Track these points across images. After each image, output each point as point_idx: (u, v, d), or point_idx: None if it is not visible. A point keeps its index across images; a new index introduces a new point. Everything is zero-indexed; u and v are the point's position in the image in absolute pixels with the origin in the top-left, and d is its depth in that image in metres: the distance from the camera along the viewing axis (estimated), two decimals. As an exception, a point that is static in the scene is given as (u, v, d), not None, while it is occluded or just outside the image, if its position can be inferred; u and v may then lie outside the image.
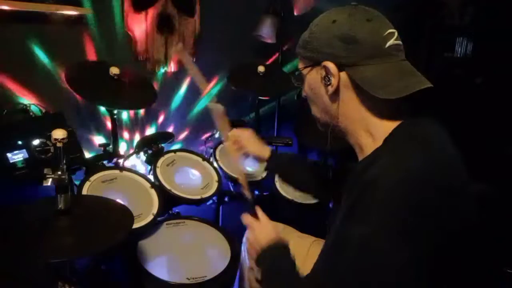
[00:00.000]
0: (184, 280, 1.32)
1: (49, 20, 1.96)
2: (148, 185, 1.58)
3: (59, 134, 1.05)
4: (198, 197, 1.66)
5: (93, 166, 1.66)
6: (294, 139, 2.25)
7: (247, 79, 2.29)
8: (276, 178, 1.91)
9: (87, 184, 1.46)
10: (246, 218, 1.11)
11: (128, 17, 2.22)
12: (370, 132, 0.88)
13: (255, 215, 1.11)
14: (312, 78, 0.92)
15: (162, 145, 1.89)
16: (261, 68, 2.25)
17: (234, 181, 1.85)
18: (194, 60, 2.55)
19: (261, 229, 1.06)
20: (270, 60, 2.94)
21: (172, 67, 2.48)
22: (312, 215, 1.83)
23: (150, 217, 1.47)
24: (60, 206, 1.07)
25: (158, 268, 1.34)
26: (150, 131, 2.54)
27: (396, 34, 0.85)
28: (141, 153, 1.89)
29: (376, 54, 0.83)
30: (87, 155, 1.85)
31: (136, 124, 2.49)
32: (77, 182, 1.48)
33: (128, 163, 1.96)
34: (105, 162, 1.82)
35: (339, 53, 0.84)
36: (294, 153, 1.43)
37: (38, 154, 1.50)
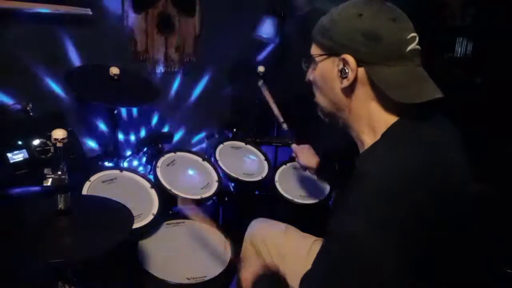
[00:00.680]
0: (184, 280, 1.32)
1: (49, 20, 1.96)
2: (148, 185, 1.58)
3: (59, 134, 1.05)
4: (198, 197, 1.66)
5: (93, 166, 1.66)
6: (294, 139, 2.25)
7: (247, 79, 2.29)
8: (276, 178, 1.91)
9: (87, 184, 1.46)
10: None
11: (128, 17, 2.22)
12: (373, 128, 0.87)
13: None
14: (326, 67, 0.90)
15: (162, 145, 1.89)
16: (261, 68, 2.25)
17: (234, 181, 1.85)
18: (194, 60, 2.55)
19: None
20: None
21: (171, 67, 2.48)
22: (312, 215, 1.83)
23: (150, 217, 1.47)
24: (60, 206, 1.07)
25: (158, 268, 1.34)
26: (150, 131, 2.54)
27: (417, 39, 0.84)
28: (141, 153, 1.89)
29: (396, 57, 0.82)
30: (87, 155, 1.85)
31: (136, 124, 2.49)
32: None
33: (128, 163, 1.96)
34: (105, 162, 1.82)
35: (360, 49, 0.83)
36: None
37: (38, 154, 1.50)
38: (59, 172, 1.06)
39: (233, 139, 2.12)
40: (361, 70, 0.84)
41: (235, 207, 1.92)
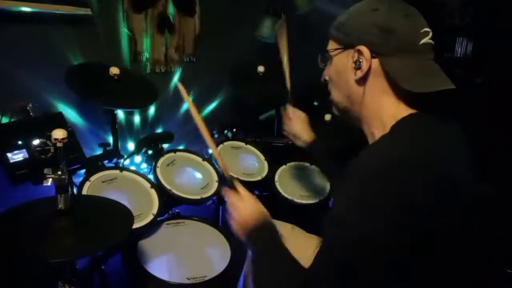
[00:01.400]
0: (184, 280, 1.32)
1: (49, 20, 1.96)
2: (148, 185, 1.58)
3: (59, 134, 1.05)
4: (198, 197, 1.66)
5: (93, 166, 1.66)
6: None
7: (247, 79, 2.29)
8: (276, 178, 1.92)
9: (87, 184, 1.47)
10: (228, 195, 1.07)
11: (128, 17, 2.22)
12: (383, 121, 0.90)
13: (235, 190, 1.08)
14: (341, 60, 0.94)
15: (162, 145, 1.89)
16: (261, 68, 2.25)
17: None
18: (194, 60, 2.55)
19: (245, 206, 1.04)
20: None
21: (171, 67, 2.48)
22: (312, 215, 1.83)
23: (150, 217, 1.47)
24: (60, 206, 1.07)
25: (158, 268, 1.34)
26: (150, 131, 2.54)
27: (430, 33, 0.88)
28: (141, 153, 1.89)
29: (409, 49, 0.86)
30: (87, 155, 1.84)
31: (136, 124, 2.49)
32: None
33: (128, 163, 1.96)
34: (105, 162, 1.82)
35: (374, 40, 0.87)
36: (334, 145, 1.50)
37: (38, 154, 1.50)
38: (59, 172, 1.06)
39: (233, 139, 2.12)
40: (375, 61, 0.88)
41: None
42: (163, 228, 1.53)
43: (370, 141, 0.95)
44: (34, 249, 0.98)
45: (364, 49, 0.88)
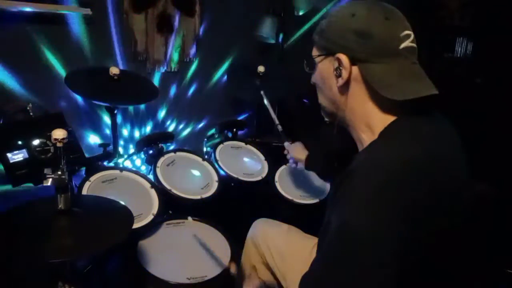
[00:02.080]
0: (184, 280, 1.32)
1: (49, 20, 1.96)
2: (148, 185, 1.58)
3: (59, 134, 1.05)
4: (198, 197, 1.66)
5: (93, 166, 1.66)
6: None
7: (247, 79, 2.29)
8: (276, 178, 1.91)
9: (87, 184, 1.46)
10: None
11: (128, 17, 2.22)
12: (371, 127, 0.88)
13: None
14: (324, 67, 0.92)
15: (162, 145, 1.89)
16: (261, 68, 2.25)
17: (234, 181, 1.85)
18: (194, 60, 2.55)
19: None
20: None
21: (171, 67, 2.48)
22: (312, 215, 1.83)
23: (150, 217, 1.47)
24: (60, 206, 1.06)
25: (158, 268, 1.33)
26: (150, 131, 2.54)
27: (412, 36, 0.85)
28: (141, 153, 1.89)
29: (389, 54, 0.83)
30: (87, 155, 1.85)
31: (136, 124, 2.49)
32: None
33: (128, 163, 1.96)
34: (105, 162, 1.82)
35: (352, 47, 0.84)
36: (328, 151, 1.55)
37: (38, 154, 1.50)
38: (59, 172, 1.06)
39: (233, 139, 2.12)
40: (355, 69, 0.85)
41: (235, 207, 1.92)
42: (163, 228, 1.53)
43: (359, 145, 0.94)
44: (34, 249, 0.98)
45: (342, 57, 0.85)
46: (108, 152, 1.85)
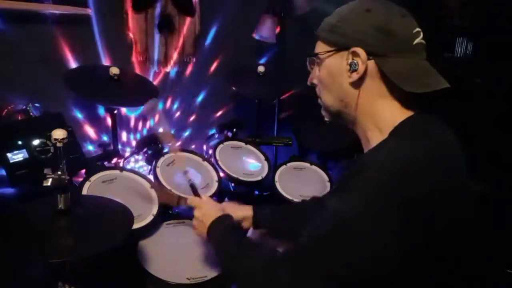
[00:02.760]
0: (184, 280, 1.32)
1: (49, 20, 1.96)
2: (148, 185, 1.58)
3: (59, 134, 1.05)
4: (198, 197, 1.66)
5: (93, 166, 1.66)
6: (294, 139, 2.25)
7: (247, 79, 2.29)
8: (276, 178, 1.91)
9: (87, 184, 1.46)
10: (192, 199, 1.27)
11: (128, 17, 2.22)
12: (379, 126, 0.89)
13: (198, 196, 1.29)
14: (334, 63, 0.91)
15: (162, 145, 1.89)
16: (261, 68, 2.25)
17: (234, 181, 1.85)
18: (194, 60, 2.55)
19: (207, 206, 1.22)
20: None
21: (171, 67, 2.48)
22: (312, 215, 1.83)
23: (150, 218, 1.47)
24: (60, 206, 1.07)
25: (158, 268, 1.33)
26: (150, 131, 2.54)
27: (422, 33, 0.88)
28: (141, 153, 1.89)
29: (405, 49, 0.86)
30: (87, 155, 1.85)
31: (136, 124, 2.49)
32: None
33: (128, 163, 1.96)
34: (105, 162, 1.82)
35: (371, 42, 0.85)
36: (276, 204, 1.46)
37: (38, 154, 1.50)
38: (59, 172, 1.06)
39: (233, 139, 2.12)
40: (371, 63, 0.86)
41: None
42: (163, 228, 1.53)
43: (364, 143, 0.94)
44: (34, 249, 0.98)
45: (360, 50, 0.86)
46: (108, 152, 1.85)
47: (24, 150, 1.48)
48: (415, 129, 0.84)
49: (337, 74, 0.91)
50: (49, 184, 1.05)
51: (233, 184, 1.91)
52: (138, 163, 2.18)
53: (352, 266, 0.73)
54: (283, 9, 2.66)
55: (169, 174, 1.70)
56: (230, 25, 2.56)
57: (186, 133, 2.72)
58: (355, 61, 0.86)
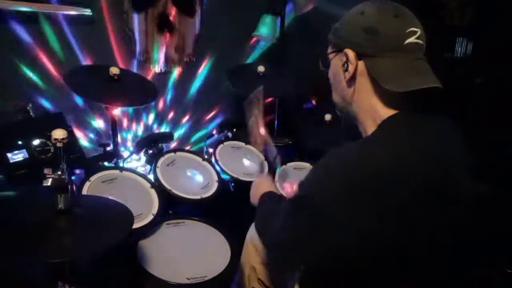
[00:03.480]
0: (184, 280, 1.32)
1: (49, 20, 1.96)
2: (148, 185, 1.58)
3: (59, 134, 1.05)
4: (198, 197, 1.66)
5: (93, 166, 1.66)
6: (294, 140, 2.25)
7: (247, 79, 2.29)
8: (276, 178, 1.91)
9: (87, 184, 1.46)
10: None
11: (128, 17, 2.22)
12: (375, 121, 0.91)
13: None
14: (335, 63, 0.98)
15: (162, 145, 1.89)
16: (261, 68, 2.25)
17: (234, 181, 1.85)
18: (194, 60, 2.55)
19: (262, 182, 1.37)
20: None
21: (171, 67, 2.48)
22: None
23: (150, 217, 1.47)
24: (60, 206, 1.06)
25: (158, 268, 1.33)
26: (149, 131, 2.54)
27: (418, 33, 0.88)
28: (141, 153, 1.89)
29: (393, 49, 0.87)
30: (87, 155, 1.84)
31: (136, 124, 2.49)
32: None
33: (128, 163, 1.96)
34: (105, 162, 1.82)
35: (360, 43, 0.89)
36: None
37: (38, 154, 1.50)
38: (59, 172, 1.06)
39: (233, 139, 2.12)
40: (361, 63, 0.90)
41: (235, 207, 1.92)
42: (163, 228, 1.53)
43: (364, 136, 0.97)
44: (34, 249, 0.98)
45: (349, 51, 0.90)
46: (108, 152, 1.85)
47: (24, 150, 1.48)
48: (401, 126, 0.86)
49: (337, 74, 0.97)
50: (49, 184, 1.05)
51: (233, 184, 1.90)
52: (138, 163, 2.18)
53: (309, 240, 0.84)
54: (283, 9, 2.66)
55: (169, 174, 1.70)
56: (230, 25, 2.56)
57: (186, 133, 2.72)
58: (347, 62, 0.92)
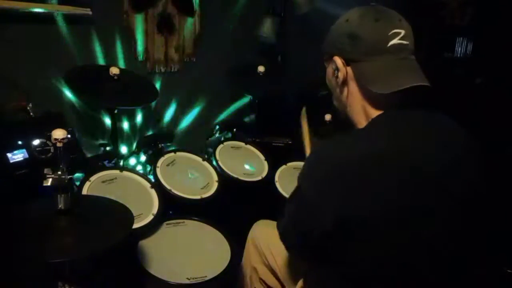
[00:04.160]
0: (184, 280, 1.32)
1: (49, 20, 1.96)
2: (148, 185, 1.58)
3: (59, 134, 1.05)
4: (198, 197, 1.66)
5: (93, 166, 1.66)
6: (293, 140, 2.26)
7: (247, 79, 2.29)
8: (276, 178, 1.92)
9: (87, 184, 1.46)
10: None
11: (128, 17, 2.22)
12: (368, 121, 0.93)
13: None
14: (329, 69, 1.01)
15: (162, 145, 1.89)
16: (261, 68, 2.25)
17: (234, 181, 1.85)
18: (194, 60, 2.55)
19: None
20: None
21: (171, 67, 2.48)
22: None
23: (150, 217, 1.47)
24: (60, 206, 1.07)
25: (158, 268, 1.34)
26: (150, 131, 2.54)
27: (402, 34, 0.89)
28: (141, 153, 1.89)
29: (376, 52, 0.89)
30: (87, 155, 1.84)
31: (136, 124, 2.49)
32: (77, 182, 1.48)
33: (128, 163, 1.96)
34: (105, 162, 1.82)
35: (345, 49, 0.92)
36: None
37: (38, 154, 1.50)
38: (59, 172, 1.06)
39: (233, 139, 2.12)
40: (349, 69, 0.93)
41: (235, 207, 1.92)
42: (163, 228, 1.53)
43: None
44: (34, 249, 0.98)
45: (337, 59, 0.94)
46: (108, 152, 1.85)
47: (24, 150, 1.48)
48: (380, 125, 0.88)
49: (331, 79, 1.00)
50: (49, 184, 1.06)
51: (233, 184, 1.90)
52: (138, 163, 2.18)
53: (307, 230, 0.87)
54: (283, 9, 2.66)
55: (169, 174, 1.70)
56: (230, 25, 2.56)
57: (186, 133, 2.72)
58: (336, 69, 0.95)
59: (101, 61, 2.15)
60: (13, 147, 1.47)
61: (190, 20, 2.46)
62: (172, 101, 2.59)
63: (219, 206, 1.93)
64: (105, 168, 1.67)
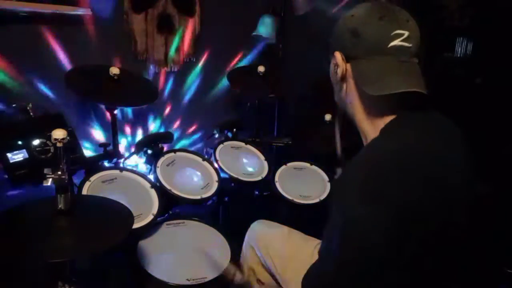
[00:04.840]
0: (184, 281, 1.32)
1: (49, 20, 1.96)
2: (148, 185, 1.58)
3: (59, 134, 1.05)
4: (198, 197, 1.66)
5: (93, 166, 1.66)
6: (293, 140, 2.26)
7: (247, 79, 2.29)
8: (276, 178, 1.92)
9: (87, 184, 1.46)
10: None
11: (128, 17, 2.22)
12: (372, 122, 0.91)
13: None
14: (331, 64, 0.98)
15: (162, 145, 1.89)
16: (261, 68, 2.25)
17: (234, 181, 1.85)
18: (194, 60, 2.55)
19: None
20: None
21: (171, 67, 2.48)
22: (312, 215, 1.83)
23: (150, 217, 1.47)
24: (60, 206, 1.06)
25: (158, 269, 1.33)
26: (150, 131, 2.54)
27: (405, 35, 0.86)
28: (141, 153, 1.89)
29: (376, 52, 0.86)
30: (87, 155, 1.84)
31: (136, 124, 2.49)
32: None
33: (128, 163, 1.96)
34: (105, 162, 1.82)
35: (347, 45, 0.90)
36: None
37: (38, 154, 1.50)
38: (59, 172, 1.06)
39: (233, 139, 2.12)
40: (349, 66, 0.91)
41: (235, 207, 1.92)
42: (163, 228, 1.53)
43: (364, 139, 0.97)
44: (34, 249, 0.98)
45: (337, 54, 0.92)
46: (108, 152, 1.85)
47: (24, 150, 1.48)
48: (404, 129, 0.86)
49: (332, 75, 0.98)
50: (49, 184, 1.05)
51: (233, 184, 1.91)
52: (138, 163, 2.18)
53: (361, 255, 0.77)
54: (283, 9, 2.66)
55: (169, 174, 1.70)
56: (230, 25, 2.56)
57: (186, 133, 2.72)
58: (336, 63, 0.93)
59: (101, 61, 2.15)
60: (13, 147, 1.47)
61: (190, 20, 2.46)
62: (172, 101, 2.59)
63: (219, 206, 1.94)
64: (105, 168, 1.67)
